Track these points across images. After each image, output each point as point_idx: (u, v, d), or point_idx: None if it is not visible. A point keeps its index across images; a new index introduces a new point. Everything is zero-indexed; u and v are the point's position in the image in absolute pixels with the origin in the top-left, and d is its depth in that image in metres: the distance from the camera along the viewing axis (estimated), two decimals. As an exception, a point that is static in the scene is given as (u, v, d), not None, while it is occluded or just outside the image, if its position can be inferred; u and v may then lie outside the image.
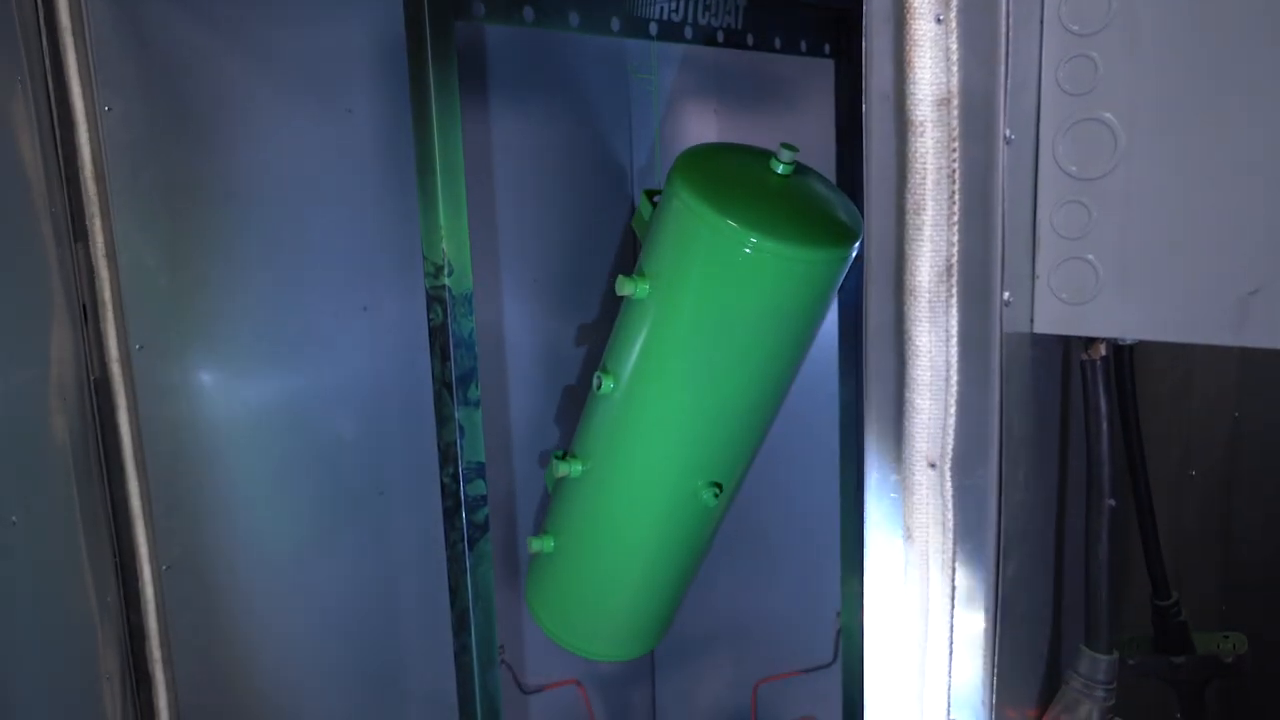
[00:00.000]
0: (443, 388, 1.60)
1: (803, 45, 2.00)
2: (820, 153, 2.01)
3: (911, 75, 0.91)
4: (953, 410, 0.95)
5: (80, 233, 1.64)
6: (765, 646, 2.54)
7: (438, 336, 1.58)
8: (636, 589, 1.94)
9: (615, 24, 1.71)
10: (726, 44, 1.90)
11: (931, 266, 0.93)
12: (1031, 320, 0.98)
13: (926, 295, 0.94)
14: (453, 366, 1.57)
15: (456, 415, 1.59)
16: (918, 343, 0.95)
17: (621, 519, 1.85)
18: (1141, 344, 1.05)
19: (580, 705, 2.52)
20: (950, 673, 1.00)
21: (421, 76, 1.49)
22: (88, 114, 1.61)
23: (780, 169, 1.68)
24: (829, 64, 2.07)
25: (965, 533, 0.97)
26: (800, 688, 2.47)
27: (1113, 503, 1.07)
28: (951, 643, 0.99)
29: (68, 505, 1.67)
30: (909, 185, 0.93)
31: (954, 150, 0.91)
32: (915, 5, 0.90)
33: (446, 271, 1.55)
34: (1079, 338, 1.04)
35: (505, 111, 2.18)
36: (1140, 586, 1.29)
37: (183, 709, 1.82)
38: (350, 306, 1.99)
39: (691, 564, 1.96)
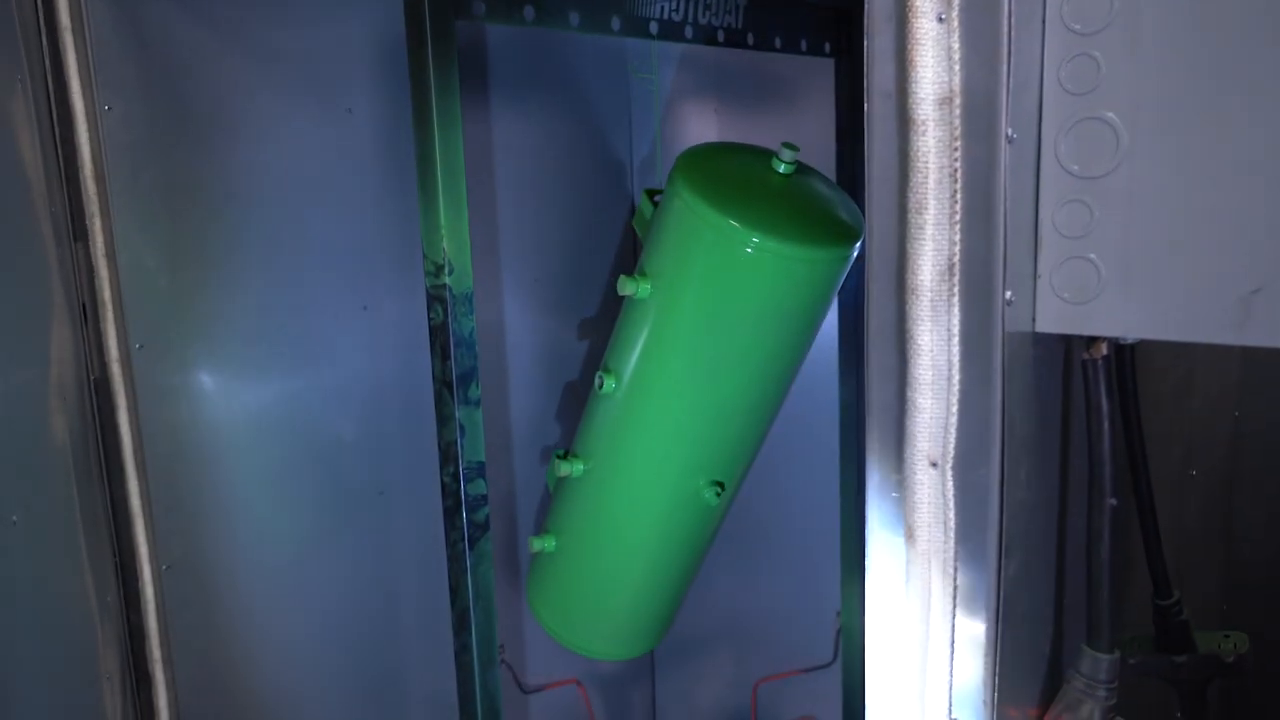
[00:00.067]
0: (443, 387, 1.60)
1: (803, 44, 2.00)
2: (820, 152, 2.01)
3: (913, 74, 0.91)
4: (954, 409, 0.95)
5: (80, 232, 1.64)
6: (765, 646, 2.54)
7: (438, 336, 1.58)
8: (638, 588, 1.94)
9: (616, 23, 1.71)
10: (727, 43, 1.90)
11: (933, 265, 0.93)
12: (1033, 319, 0.98)
13: (928, 294, 0.94)
14: (453, 366, 1.57)
15: (457, 414, 1.59)
16: (919, 342, 0.95)
17: (623, 518, 1.85)
18: (1143, 343, 1.05)
19: (580, 705, 2.52)
20: (951, 672, 1.00)
21: (422, 76, 1.49)
22: (88, 114, 1.61)
23: (781, 168, 1.68)
24: (829, 63, 2.07)
25: (967, 532, 0.97)
26: (800, 687, 2.47)
27: (1114, 502, 1.07)
28: (953, 642, 0.99)
29: (68, 505, 1.67)
30: (911, 184, 0.93)
31: (956, 149, 0.91)
32: (917, 4, 0.90)
33: (447, 270, 1.55)
34: (1081, 337, 1.04)
35: (506, 111, 2.17)
36: (1142, 586, 1.29)
37: (183, 709, 1.82)
38: (350, 306, 1.99)
39: (693, 563, 1.96)
